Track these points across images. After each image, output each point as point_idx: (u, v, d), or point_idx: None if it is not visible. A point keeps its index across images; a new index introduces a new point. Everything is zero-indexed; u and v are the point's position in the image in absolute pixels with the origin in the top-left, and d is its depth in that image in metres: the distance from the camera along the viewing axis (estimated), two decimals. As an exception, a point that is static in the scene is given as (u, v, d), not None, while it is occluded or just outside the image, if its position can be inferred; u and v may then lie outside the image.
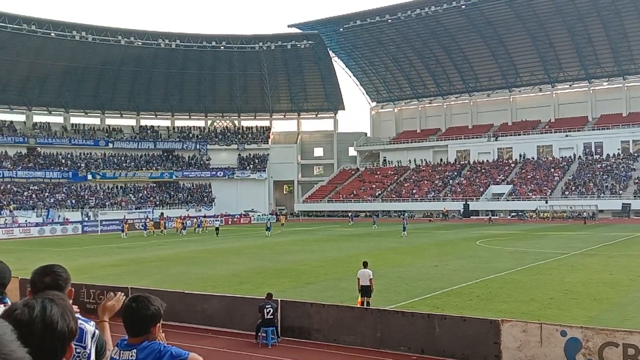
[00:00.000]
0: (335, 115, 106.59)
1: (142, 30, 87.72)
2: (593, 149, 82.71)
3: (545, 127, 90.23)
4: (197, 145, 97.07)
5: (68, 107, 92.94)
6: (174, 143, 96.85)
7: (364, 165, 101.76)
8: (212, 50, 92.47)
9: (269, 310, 14.32)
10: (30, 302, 1.98)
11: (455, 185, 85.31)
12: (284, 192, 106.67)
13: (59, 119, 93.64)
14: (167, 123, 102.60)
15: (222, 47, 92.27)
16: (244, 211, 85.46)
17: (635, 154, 79.06)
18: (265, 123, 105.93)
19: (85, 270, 27.75)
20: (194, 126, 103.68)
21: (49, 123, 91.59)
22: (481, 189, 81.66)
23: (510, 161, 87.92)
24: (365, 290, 17.05)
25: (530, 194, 76.82)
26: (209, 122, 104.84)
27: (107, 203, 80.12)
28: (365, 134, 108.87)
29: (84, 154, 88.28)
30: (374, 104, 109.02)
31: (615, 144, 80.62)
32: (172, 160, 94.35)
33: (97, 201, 79.80)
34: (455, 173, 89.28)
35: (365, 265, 17.78)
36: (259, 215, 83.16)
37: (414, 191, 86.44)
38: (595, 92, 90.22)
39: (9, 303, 3.61)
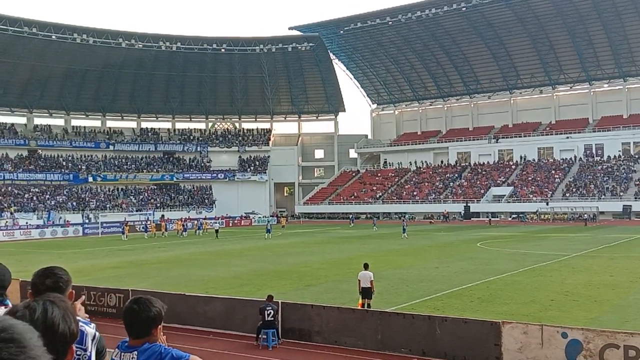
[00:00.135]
0: (335, 117, 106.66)
1: (143, 33, 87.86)
2: (594, 151, 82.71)
3: (545, 129, 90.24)
4: (198, 148, 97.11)
5: (69, 109, 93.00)
6: (174, 145, 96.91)
7: (365, 167, 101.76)
8: (213, 52, 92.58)
9: (270, 312, 14.32)
10: (31, 304, 1.98)
11: (455, 187, 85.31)
12: (285, 194, 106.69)
13: (60, 121, 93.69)
14: (168, 125, 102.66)
15: (223, 50, 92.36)
16: (245, 213, 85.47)
17: (636, 156, 79.03)
18: (266, 125, 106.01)
19: (86, 273, 27.76)
20: (194, 128, 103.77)
21: (49, 125, 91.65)
22: (482, 191, 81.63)
23: (511, 163, 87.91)
24: (366, 292, 17.06)
25: (531, 196, 76.80)
26: (210, 124, 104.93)
27: (107, 205, 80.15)
28: (366, 136, 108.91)
29: (84, 156, 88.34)
30: (375, 106, 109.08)
31: (615, 145, 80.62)
32: (173, 162, 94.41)
33: (97, 203, 79.82)
34: (456, 175, 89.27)
35: (366, 267, 17.78)
36: (259, 218, 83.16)
37: (415, 193, 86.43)
38: (596, 94, 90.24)
39: (10, 305, 3.61)
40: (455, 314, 15.66)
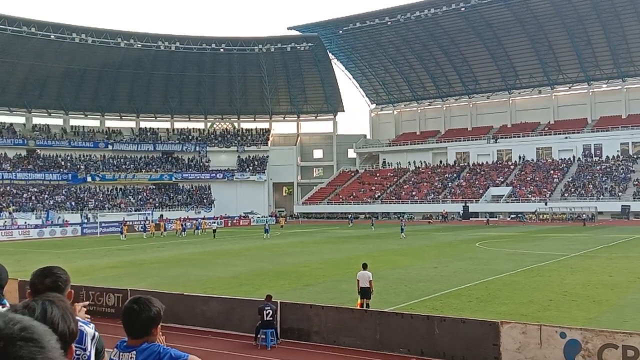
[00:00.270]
0: (334, 117, 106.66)
1: (141, 33, 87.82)
2: (592, 151, 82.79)
3: (544, 129, 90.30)
4: (197, 147, 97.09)
5: (68, 109, 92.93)
6: (173, 145, 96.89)
7: (364, 167, 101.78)
8: (211, 52, 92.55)
9: (269, 312, 14.32)
10: (30, 304, 1.99)
11: (454, 187, 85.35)
12: (284, 194, 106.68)
13: (59, 121, 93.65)
14: (167, 125, 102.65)
15: (221, 50, 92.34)
16: (244, 213, 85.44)
17: (635, 156, 79.12)
18: (265, 125, 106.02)
19: (85, 272, 27.75)
20: (193, 128, 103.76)
21: (48, 125, 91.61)
22: (480, 191, 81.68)
23: (510, 163, 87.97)
24: (365, 292, 17.06)
25: (530, 196, 76.84)
26: (209, 124, 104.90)
27: (106, 205, 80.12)
28: (365, 136, 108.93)
29: (83, 155, 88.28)
30: (374, 106, 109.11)
31: (614, 145, 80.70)
32: (172, 162, 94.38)
33: (96, 203, 79.78)
34: (455, 175, 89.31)
35: (364, 267, 17.79)
36: (258, 217, 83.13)
37: (414, 193, 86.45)
38: (595, 94, 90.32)
39: (7, 305, 3.61)
40: (453, 314, 15.67)
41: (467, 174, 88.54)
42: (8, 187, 76.06)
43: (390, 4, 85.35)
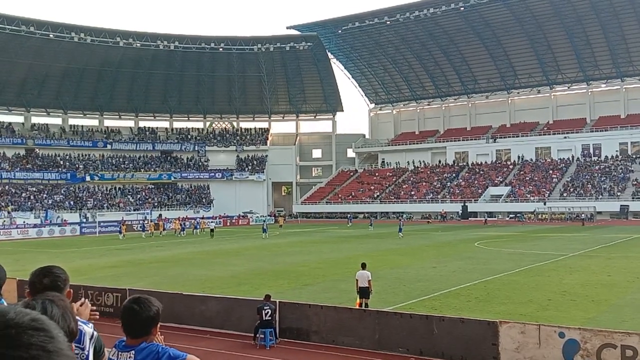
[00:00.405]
0: (333, 116, 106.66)
1: (140, 32, 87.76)
2: (591, 151, 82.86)
3: (543, 129, 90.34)
4: (196, 147, 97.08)
5: (66, 108, 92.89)
6: (172, 144, 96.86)
7: (363, 167, 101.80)
8: (210, 51, 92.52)
9: (267, 312, 14.31)
10: (30, 303, 1.99)
11: (453, 187, 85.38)
12: (283, 193, 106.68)
13: (58, 120, 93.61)
14: (166, 124, 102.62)
15: (220, 49, 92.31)
16: (243, 212, 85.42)
17: (634, 156, 79.19)
18: (264, 124, 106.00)
19: (84, 272, 27.72)
20: (192, 127, 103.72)
21: (47, 124, 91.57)
22: (479, 191, 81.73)
23: (509, 163, 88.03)
24: (364, 292, 17.06)
25: (529, 196, 76.90)
26: (208, 123, 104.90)
27: (105, 204, 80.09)
28: (364, 135, 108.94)
29: (82, 155, 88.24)
30: (373, 105, 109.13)
31: (613, 145, 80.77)
32: (171, 161, 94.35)
33: (95, 202, 79.75)
34: (454, 175, 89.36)
35: (363, 266, 17.78)
36: (257, 217, 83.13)
37: (413, 193, 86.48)
38: (594, 94, 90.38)
39: (6, 305, 3.60)
40: (452, 313, 15.67)
41: (466, 174, 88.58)
42: (7, 187, 76.01)
43: (390, 4, 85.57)
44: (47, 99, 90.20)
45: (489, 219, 71.55)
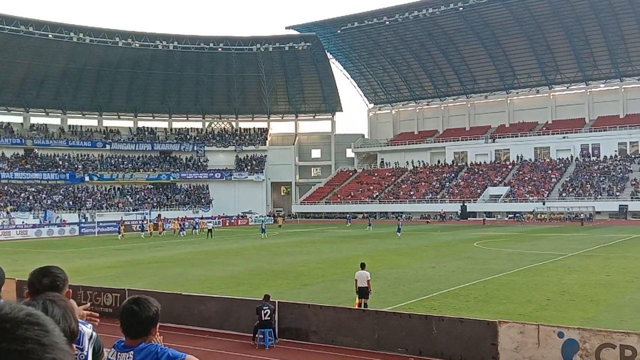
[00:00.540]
0: (332, 116, 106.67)
1: (139, 32, 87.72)
2: (590, 151, 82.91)
3: (542, 129, 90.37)
4: (195, 147, 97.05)
5: (65, 108, 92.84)
6: (171, 144, 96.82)
7: (362, 167, 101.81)
8: (209, 51, 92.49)
9: (267, 312, 14.31)
10: (31, 303, 1.99)
11: (452, 187, 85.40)
12: (282, 193, 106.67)
13: (57, 121, 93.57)
14: (165, 124, 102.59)
15: (219, 49, 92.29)
16: (242, 213, 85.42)
17: (632, 156, 79.24)
18: (263, 124, 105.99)
19: (83, 272, 27.71)
20: (191, 128, 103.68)
21: (46, 124, 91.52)
22: (478, 191, 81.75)
23: (508, 163, 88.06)
24: (363, 292, 17.06)
25: (528, 196, 76.94)
26: (207, 123, 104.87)
27: (104, 204, 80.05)
28: (363, 135, 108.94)
29: (81, 155, 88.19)
30: (372, 105, 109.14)
31: (612, 145, 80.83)
32: (170, 161, 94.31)
33: (94, 203, 79.72)
34: (453, 175, 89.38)
35: (362, 266, 17.78)
36: (256, 217, 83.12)
37: (412, 193, 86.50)
38: (593, 94, 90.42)
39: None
40: (452, 313, 15.68)
41: (465, 174, 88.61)
42: (6, 187, 75.96)
43: (389, 4, 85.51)
44: (46, 99, 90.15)
45: (487, 219, 71.60)
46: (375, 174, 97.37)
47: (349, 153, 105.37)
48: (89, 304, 3.71)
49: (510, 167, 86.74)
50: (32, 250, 44.33)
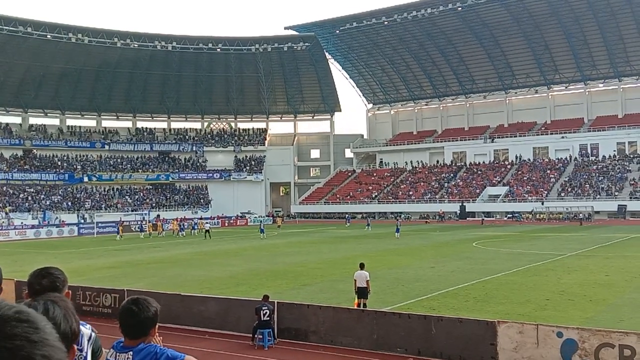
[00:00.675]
0: (331, 117, 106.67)
1: (138, 33, 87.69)
2: (589, 151, 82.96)
3: (541, 129, 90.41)
4: (194, 147, 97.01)
5: (64, 109, 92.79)
6: (170, 145, 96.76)
7: (361, 167, 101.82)
8: (208, 52, 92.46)
9: (266, 312, 14.31)
10: (32, 303, 1.99)
11: (451, 187, 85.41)
12: (281, 193, 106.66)
13: (55, 121, 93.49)
14: (164, 125, 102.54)
15: (218, 49, 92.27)
16: (241, 213, 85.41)
17: (631, 156, 79.29)
18: (262, 125, 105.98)
19: (82, 273, 27.69)
20: (190, 128, 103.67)
21: (44, 125, 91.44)
22: (477, 191, 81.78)
23: (507, 163, 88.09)
24: (362, 292, 17.06)
25: (527, 196, 76.97)
26: (206, 124, 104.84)
27: (103, 205, 79.99)
28: (362, 135, 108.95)
29: (80, 156, 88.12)
30: (371, 105, 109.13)
31: (610, 145, 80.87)
32: (169, 162, 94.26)
33: (93, 203, 79.66)
34: (452, 175, 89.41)
35: (362, 266, 17.78)
36: (255, 217, 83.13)
37: (411, 193, 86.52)
38: (591, 93, 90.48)
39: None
40: (451, 313, 15.69)
41: (464, 174, 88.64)
42: (4, 188, 75.90)
43: (387, 4, 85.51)
44: (44, 100, 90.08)
45: (486, 218, 71.62)
46: (374, 174, 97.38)
47: (348, 153, 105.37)
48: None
49: (509, 167, 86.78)
50: (31, 251, 44.30)
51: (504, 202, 77.53)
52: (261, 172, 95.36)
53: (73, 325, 1.98)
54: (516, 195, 77.94)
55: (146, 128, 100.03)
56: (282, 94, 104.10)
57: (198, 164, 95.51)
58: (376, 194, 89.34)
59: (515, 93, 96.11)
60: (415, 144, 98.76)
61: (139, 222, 65.30)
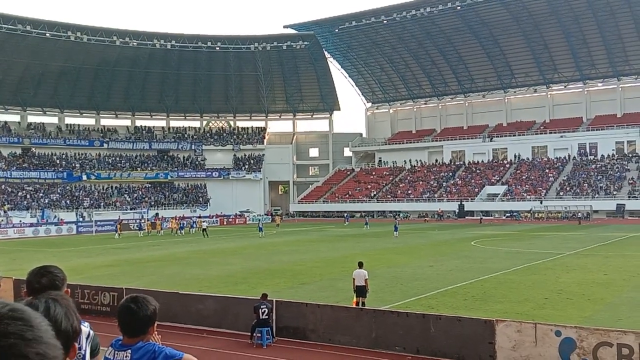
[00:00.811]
0: (330, 115, 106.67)
1: (137, 31, 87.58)
2: (587, 150, 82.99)
3: (540, 128, 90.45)
4: (193, 146, 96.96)
5: (63, 107, 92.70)
6: (169, 143, 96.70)
7: (360, 166, 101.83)
8: (207, 50, 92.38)
9: (264, 311, 14.32)
10: (33, 302, 1.99)
11: (450, 186, 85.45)
12: (280, 192, 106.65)
13: (54, 120, 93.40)
14: (163, 123, 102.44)
15: (217, 48, 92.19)
16: (239, 212, 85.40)
17: (630, 155, 79.33)
18: (261, 123, 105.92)
19: (80, 271, 27.68)
20: (189, 126, 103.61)
21: (43, 123, 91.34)
22: (476, 190, 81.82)
23: (505, 162, 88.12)
24: (361, 291, 17.07)
25: (525, 195, 77.02)
26: (205, 122, 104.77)
27: (101, 203, 79.94)
28: (361, 134, 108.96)
29: (78, 154, 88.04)
30: (370, 104, 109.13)
31: (609, 144, 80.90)
32: (167, 160, 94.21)
33: (91, 201, 79.61)
34: (451, 174, 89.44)
35: (360, 265, 17.80)
36: (254, 216, 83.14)
37: (409, 192, 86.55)
38: (590, 93, 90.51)
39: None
40: (449, 312, 15.70)
41: (463, 173, 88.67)
42: (3, 186, 75.81)
43: (387, 3, 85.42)
44: (43, 98, 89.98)
45: (485, 217, 71.65)
46: (373, 173, 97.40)
47: (347, 152, 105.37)
48: None
49: (507, 166, 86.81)
50: (30, 249, 44.29)
51: (503, 201, 77.58)
52: (260, 171, 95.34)
53: (74, 324, 1.99)
54: (515, 194, 77.99)
55: (145, 126, 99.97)
56: (281, 92, 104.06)
57: (197, 163, 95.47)
58: (375, 192, 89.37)
59: (514, 92, 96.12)
60: (414, 142, 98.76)
61: (137, 221, 65.25)
